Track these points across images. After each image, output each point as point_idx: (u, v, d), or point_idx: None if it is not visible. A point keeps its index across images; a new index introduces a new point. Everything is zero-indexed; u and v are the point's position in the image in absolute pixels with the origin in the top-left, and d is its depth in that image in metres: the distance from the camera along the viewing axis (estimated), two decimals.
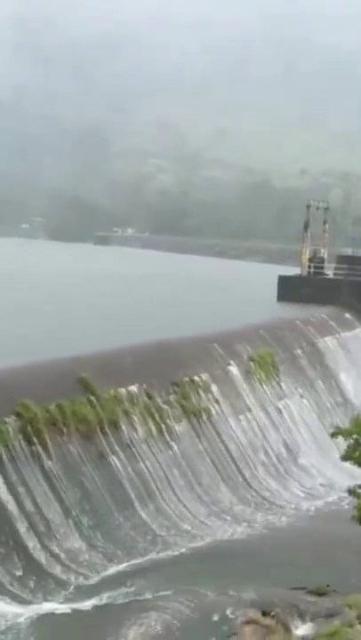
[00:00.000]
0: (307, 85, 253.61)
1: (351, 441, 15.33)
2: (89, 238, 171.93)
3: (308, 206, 57.34)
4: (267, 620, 17.03)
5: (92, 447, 24.27)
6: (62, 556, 21.33)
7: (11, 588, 19.58)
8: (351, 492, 15.81)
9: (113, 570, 21.84)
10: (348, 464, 16.35)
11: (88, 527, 22.60)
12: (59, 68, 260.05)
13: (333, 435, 16.07)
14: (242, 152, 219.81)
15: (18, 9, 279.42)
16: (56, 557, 21.16)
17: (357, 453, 15.26)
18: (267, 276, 60.89)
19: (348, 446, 15.48)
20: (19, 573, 20.13)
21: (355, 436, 15.22)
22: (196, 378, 30.83)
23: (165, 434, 27.54)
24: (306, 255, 56.28)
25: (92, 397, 25.24)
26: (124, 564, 22.30)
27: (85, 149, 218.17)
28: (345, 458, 15.67)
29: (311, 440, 34.86)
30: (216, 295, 55.86)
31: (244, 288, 64.12)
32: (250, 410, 32.93)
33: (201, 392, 30.65)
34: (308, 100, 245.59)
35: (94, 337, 31.60)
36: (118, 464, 24.78)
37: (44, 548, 21.09)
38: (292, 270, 59.97)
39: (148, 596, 19.97)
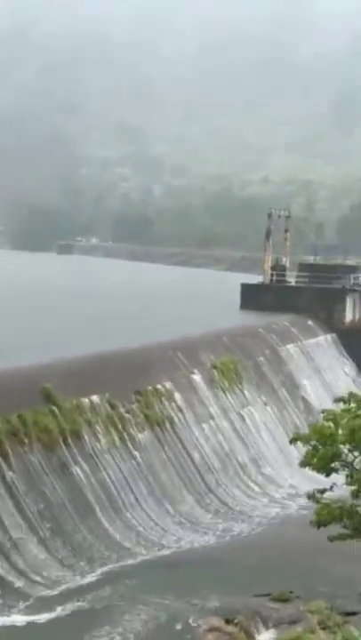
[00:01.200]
0: (267, 92, 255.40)
1: (310, 447, 15.46)
2: (52, 247, 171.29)
3: (270, 215, 57.75)
4: (229, 628, 17.07)
5: (54, 458, 24.14)
6: (24, 567, 21.15)
7: None
8: (311, 496, 15.93)
9: (76, 581, 21.71)
10: (310, 470, 16.45)
11: (50, 538, 22.45)
12: (22, 72, 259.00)
13: (292, 441, 16.19)
14: (204, 159, 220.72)
15: None
16: (17, 569, 20.97)
17: (315, 459, 15.38)
18: (230, 283, 61.19)
19: (306, 452, 15.61)
20: None
21: (313, 443, 15.36)
22: (159, 386, 30.85)
23: (128, 443, 27.49)
24: (268, 263, 56.65)
25: (55, 407, 25.11)
26: (88, 575, 22.20)
27: (47, 156, 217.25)
28: (303, 464, 15.79)
29: (274, 447, 35.03)
30: (180, 303, 55.91)
31: (208, 296, 64.30)
32: (213, 418, 33.02)
33: (164, 401, 30.66)
34: (270, 106, 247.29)
35: (56, 346, 31.37)
36: (81, 474, 24.67)
37: (5, 559, 20.89)
38: (255, 278, 60.31)
39: (112, 606, 19.90)
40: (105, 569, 22.70)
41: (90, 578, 22.04)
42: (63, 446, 24.61)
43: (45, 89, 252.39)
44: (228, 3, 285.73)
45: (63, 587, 21.21)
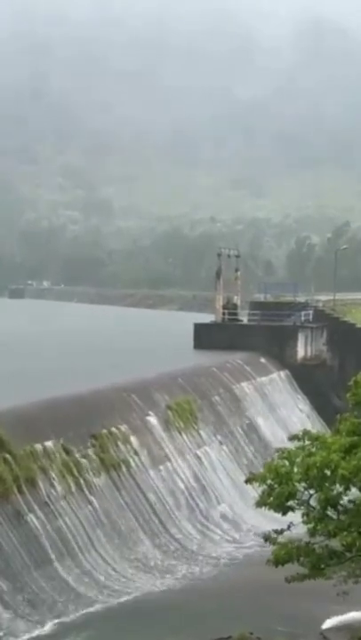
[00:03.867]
0: (211, 132, 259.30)
1: (265, 486, 15.48)
2: (3, 292, 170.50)
3: (220, 254, 58.28)
4: None
5: (9, 506, 23.72)
6: None
7: None
8: (267, 537, 15.91)
9: (33, 633, 21.22)
10: (267, 509, 16.45)
11: (6, 589, 21.96)
12: None
13: (248, 481, 16.18)
14: (152, 201, 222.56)
15: None
16: None
17: (271, 499, 15.40)
18: (182, 323, 61.39)
19: (262, 492, 15.62)
20: None
21: (269, 482, 15.38)
22: (114, 429, 30.64)
23: (85, 489, 27.17)
24: (220, 302, 57.03)
25: (7, 455, 24.74)
26: (45, 627, 21.73)
27: None
28: (259, 504, 15.77)
29: (231, 487, 34.92)
30: (133, 345, 55.84)
31: (161, 337, 64.35)
32: (169, 459, 32.86)
33: (120, 444, 30.45)
34: (215, 146, 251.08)
35: (7, 392, 31.00)
36: (36, 522, 24.26)
37: None
38: (208, 317, 60.61)
39: None
40: (63, 618, 22.26)
41: (47, 628, 21.59)
42: (17, 494, 24.21)
43: None
44: (162, 49, 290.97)
45: (20, 638, 20.71)
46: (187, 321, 59.76)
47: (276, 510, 15.68)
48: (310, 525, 15.57)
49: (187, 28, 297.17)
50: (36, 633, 21.21)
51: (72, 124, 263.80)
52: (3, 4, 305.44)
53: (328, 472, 15.07)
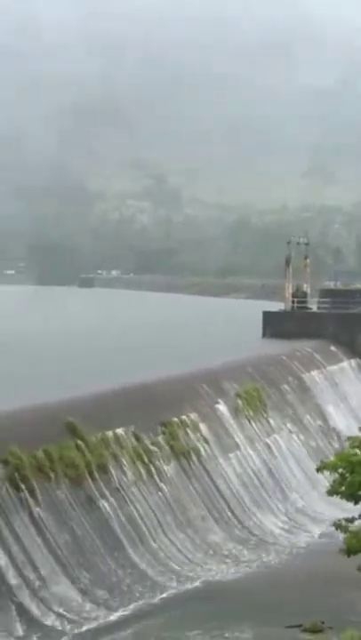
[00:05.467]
0: (278, 120, 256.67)
1: (337, 475, 15.38)
2: (74, 281, 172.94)
3: (289, 242, 57.75)
4: None
5: (81, 492, 24.10)
6: (54, 604, 21.02)
7: None
8: (338, 525, 15.81)
9: (107, 617, 21.51)
10: (338, 498, 16.32)
11: (80, 574, 22.33)
12: (29, 110, 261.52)
13: (319, 469, 16.09)
14: (220, 190, 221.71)
15: None
16: (48, 606, 20.84)
17: (343, 487, 15.29)
18: (250, 312, 61.18)
19: (333, 480, 15.52)
20: (12, 624, 19.81)
21: (340, 470, 15.27)
22: (184, 417, 30.80)
23: (155, 476, 27.42)
24: (289, 290, 56.53)
25: (80, 442, 25.12)
26: (119, 611, 22.01)
27: (61, 194, 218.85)
28: (331, 492, 15.70)
29: (301, 475, 34.76)
30: (202, 334, 55.95)
31: (230, 325, 64.27)
32: (239, 447, 32.86)
33: (190, 432, 30.59)
34: (282, 134, 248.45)
35: (78, 381, 31.47)
36: (108, 508, 24.59)
37: (36, 596, 20.78)
38: (277, 306, 60.21)
39: None
40: (135, 603, 22.51)
41: (120, 613, 21.85)
42: (90, 480, 24.58)
43: (59, 128, 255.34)
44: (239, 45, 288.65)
45: (94, 623, 21.02)
46: (254, 309, 59.49)
47: (347, 499, 15.59)
48: None
49: (252, 15, 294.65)
50: (108, 618, 21.49)
51: (139, 114, 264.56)
52: (79, 5, 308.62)
53: None
